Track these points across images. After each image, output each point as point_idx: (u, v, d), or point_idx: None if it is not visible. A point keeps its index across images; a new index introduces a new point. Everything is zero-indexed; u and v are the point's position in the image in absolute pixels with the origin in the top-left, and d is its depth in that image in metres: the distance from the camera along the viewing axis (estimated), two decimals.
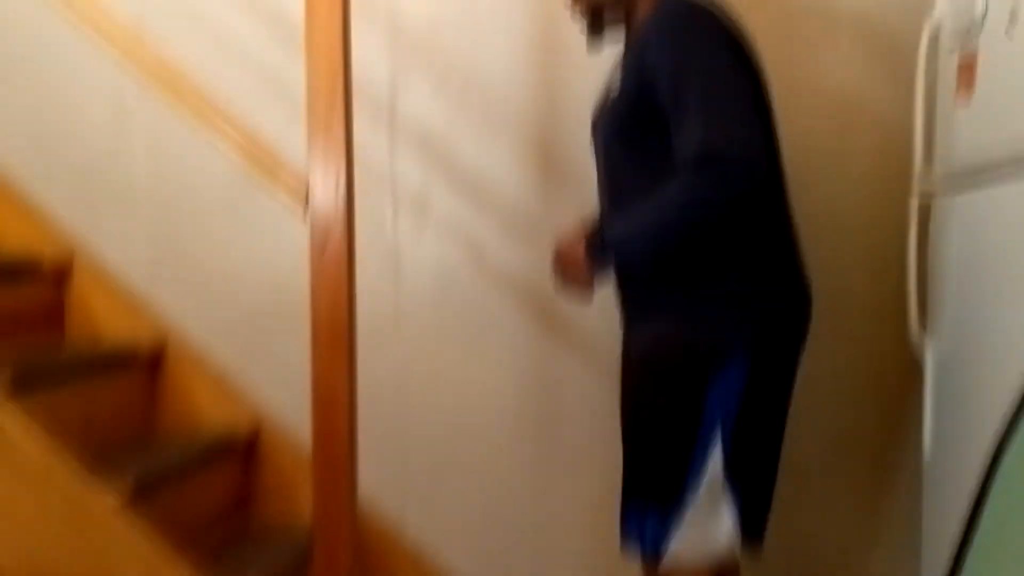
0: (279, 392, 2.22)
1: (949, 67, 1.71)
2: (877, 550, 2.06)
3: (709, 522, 1.59)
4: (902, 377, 2.03)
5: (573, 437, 2.16)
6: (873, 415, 2.05)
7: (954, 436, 1.72)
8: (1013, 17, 1.43)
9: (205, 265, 2.25)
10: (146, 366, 2.18)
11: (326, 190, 1.44)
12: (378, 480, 2.09)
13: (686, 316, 1.60)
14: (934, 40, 1.78)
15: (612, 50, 1.81)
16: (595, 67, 1.90)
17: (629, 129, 1.64)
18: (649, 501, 1.60)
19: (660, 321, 1.63)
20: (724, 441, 1.58)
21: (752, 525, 1.63)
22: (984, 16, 1.55)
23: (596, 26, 1.75)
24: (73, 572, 1.54)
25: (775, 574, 2.07)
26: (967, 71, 1.62)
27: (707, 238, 1.56)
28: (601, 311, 2.01)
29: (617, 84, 1.67)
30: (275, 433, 2.19)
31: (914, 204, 1.79)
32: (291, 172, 1.58)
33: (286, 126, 1.98)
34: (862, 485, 2.07)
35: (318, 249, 1.42)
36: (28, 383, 1.73)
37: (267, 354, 2.23)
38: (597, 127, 1.74)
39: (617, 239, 1.62)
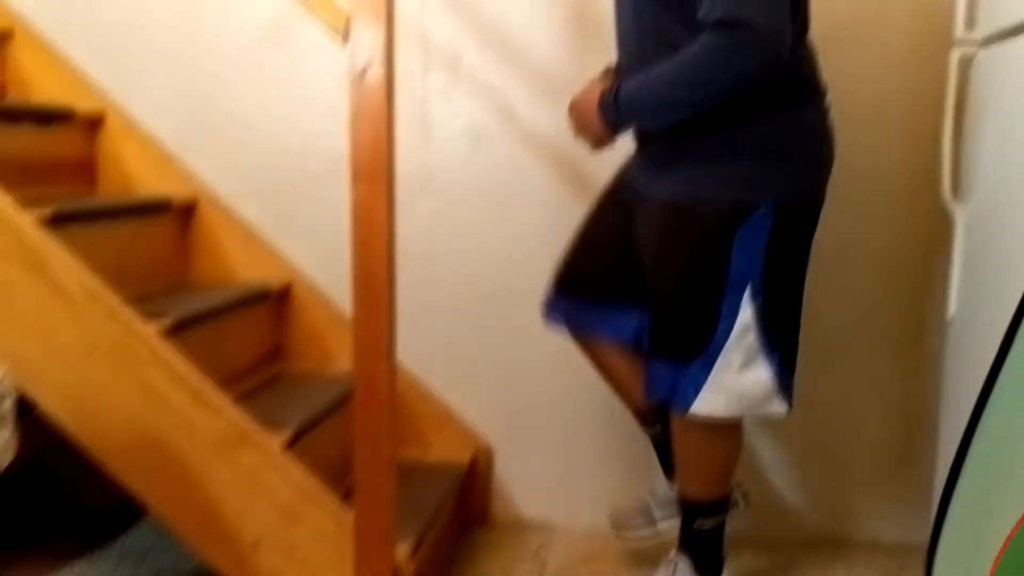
0: (310, 251, 2.25)
1: None
2: (899, 416, 2.10)
3: (742, 377, 1.62)
4: (931, 242, 2.04)
5: None
6: (902, 281, 2.07)
7: (979, 295, 1.73)
8: None
9: (236, 124, 2.25)
10: (178, 218, 2.21)
11: (366, 20, 1.42)
12: (404, 340, 2.12)
13: (711, 168, 1.60)
14: None
15: None
16: None
17: None
18: (678, 357, 1.63)
19: (683, 174, 1.62)
20: (754, 293, 1.59)
21: (786, 377, 1.66)
22: None
23: None
24: (114, 400, 1.59)
25: (797, 437, 2.13)
26: None
27: (725, 99, 1.53)
28: None
29: None
30: (307, 289, 2.22)
31: (954, 57, 1.77)
32: (332, 9, 1.56)
33: None
34: (887, 352, 2.10)
35: (358, 76, 1.42)
36: (65, 221, 1.76)
37: (298, 214, 2.25)
38: None
39: (629, 95, 1.61)
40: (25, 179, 2.00)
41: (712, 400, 1.62)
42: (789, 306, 1.67)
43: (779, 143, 1.60)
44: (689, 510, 1.74)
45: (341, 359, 2.21)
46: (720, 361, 1.61)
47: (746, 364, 1.62)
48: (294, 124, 2.23)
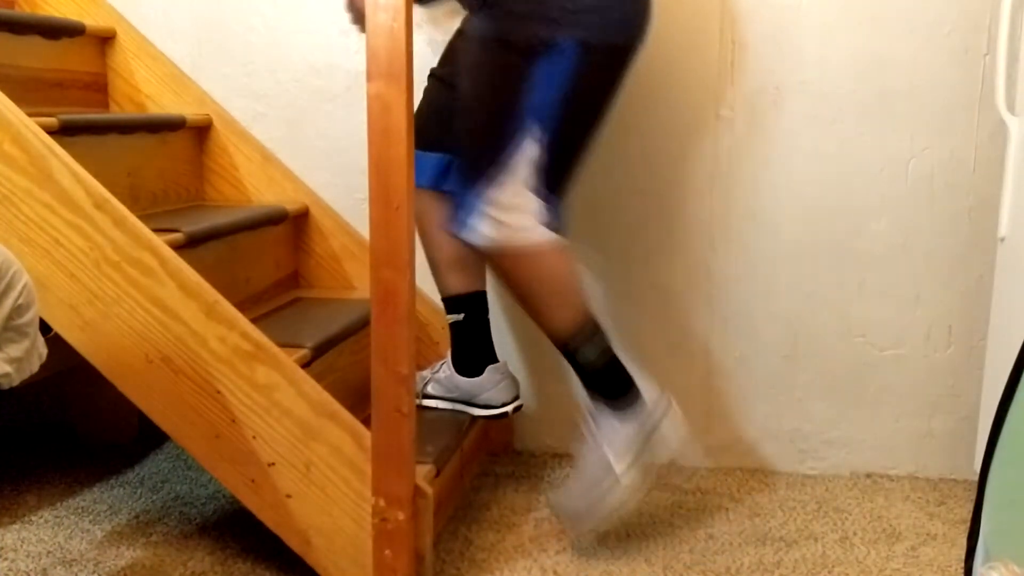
0: (328, 175, 2.17)
1: None
2: (943, 343, 2.01)
3: (512, 204, 1.63)
4: (981, 159, 1.93)
5: None
6: (949, 201, 1.96)
7: None
8: None
9: (249, 44, 2.17)
10: (193, 137, 2.14)
11: None
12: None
13: (518, 6, 1.60)
14: None
15: None
16: None
17: None
18: (467, 182, 1.66)
19: (494, 13, 1.61)
20: (542, 131, 1.61)
21: (552, 210, 1.67)
22: None
23: None
24: (123, 315, 1.52)
25: (835, 366, 2.04)
26: None
27: None
28: None
29: None
30: (325, 215, 2.15)
31: None
32: None
33: None
34: (931, 275, 2.00)
35: None
36: (74, 132, 1.70)
37: (315, 137, 2.17)
38: None
39: None
40: (35, 94, 1.95)
41: (485, 226, 1.64)
42: (572, 144, 1.69)
43: None
44: (565, 349, 1.69)
45: (361, 287, 2.14)
46: (494, 190, 1.62)
47: (516, 195, 1.63)
48: (309, 42, 2.14)
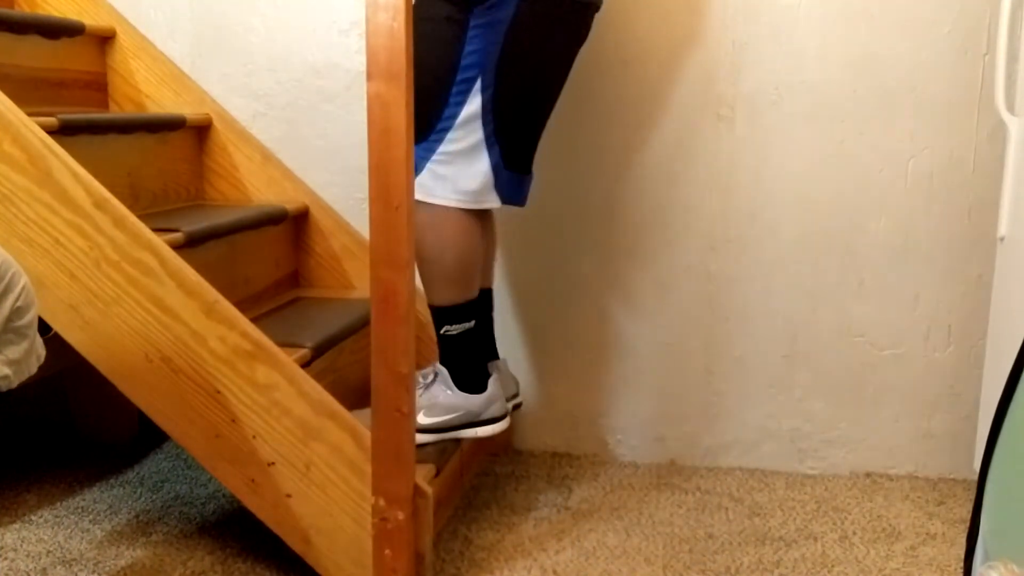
0: (328, 175, 2.17)
1: None
2: (943, 343, 2.01)
3: (461, 168, 1.62)
4: (980, 159, 1.93)
5: None
6: (948, 200, 1.96)
7: None
8: None
9: (249, 43, 2.17)
10: (193, 137, 2.14)
11: None
12: None
13: None
14: None
15: None
16: None
17: None
18: (418, 137, 1.60)
19: None
20: (485, 85, 1.59)
21: (503, 172, 1.65)
22: None
23: None
24: (123, 314, 1.53)
25: (834, 366, 2.04)
26: None
27: None
28: None
29: None
30: (325, 214, 2.15)
31: None
32: None
33: None
34: (930, 275, 2.00)
35: None
36: (73, 131, 1.70)
37: (315, 136, 2.17)
38: None
39: None
40: (35, 93, 1.95)
41: (429, 185, 1.62)
42: (521, 101, 1.66)
43: None
44: (435, 315, 1.73)
45: (361, 287, 2.14)
46: (441, 148, 1.60)
47: (466, 155, 1.62)
48: (309, 42, 2.14)
